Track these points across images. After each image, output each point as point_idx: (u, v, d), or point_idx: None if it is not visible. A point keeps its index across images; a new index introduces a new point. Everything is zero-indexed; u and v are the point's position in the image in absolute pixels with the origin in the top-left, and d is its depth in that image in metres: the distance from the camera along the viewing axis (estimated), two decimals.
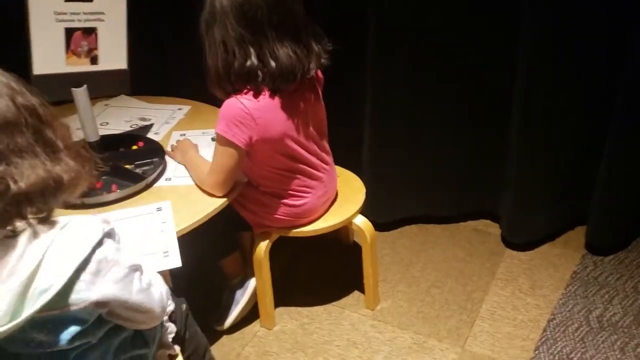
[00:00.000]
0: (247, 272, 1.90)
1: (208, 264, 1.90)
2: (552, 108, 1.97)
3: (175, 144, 1.85)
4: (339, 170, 1.91)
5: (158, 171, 1.69)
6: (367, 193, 1.92)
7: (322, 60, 1.59)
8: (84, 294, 0.95)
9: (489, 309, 1.97)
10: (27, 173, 0.90)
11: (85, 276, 0.95)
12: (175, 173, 1.73)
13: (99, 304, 0.98)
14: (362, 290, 2.01)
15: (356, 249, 2.16)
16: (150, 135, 1.93)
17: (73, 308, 0.95)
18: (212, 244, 1.83)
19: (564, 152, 2.07)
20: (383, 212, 2.24)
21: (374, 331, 1.90)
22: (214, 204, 1.59)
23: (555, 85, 1.93)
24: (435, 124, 2.13)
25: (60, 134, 0.98)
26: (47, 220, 0.95)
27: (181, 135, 1.93)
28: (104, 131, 1.86)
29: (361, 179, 1.99)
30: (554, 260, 2.18)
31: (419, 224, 2.37)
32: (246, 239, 1.92)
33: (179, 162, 1.77)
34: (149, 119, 2.05)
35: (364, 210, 1.88)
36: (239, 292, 1.89)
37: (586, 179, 2.13)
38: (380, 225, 2.23)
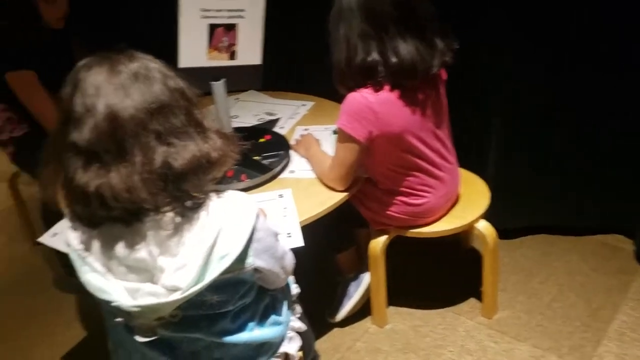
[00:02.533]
0: (362, 267, 1.92)
1: (324, 257, 1.94)
2: None
3: (299, 138, 1.90)
4: (462, 172, 1.87)
5: (283, 164, 1.76)
6: (490, 196, 1.86)
7: (446, 59, 1.57)
8: (251, 259, 1.08)
9: (617, 329, 1.84)
10: (182, 152, 0.98)
11: (252, 244, 1.07)
12: (299, 166, 1.78)
13: (258, 268, 1.11)
14: (479, 298, 1.95)
15: (474, 254, 2.11)
16: (276, 129, 2.01)
17: (244, 271, 1.08)
18: (330, 238, 1.87)
19: None
20: (505, 218, 2.16)
21: (490, 340, 1.84)
22: (334, 198, 1.62)
23: None
24: (569, 129, 2.02)
25: (205, 113, 1.06)
26: (212, 195, 1.05)
27: (304, 130, 1.98)
28: (234, 124, 1.96)
29: (485, 179, 1.94)
30: None
31: (542, 234, 2.26)
32: (363, 235, 1.93)
33: (302, 156, 1.82)
34: (276, 114, 2.13)
35: (486, 216, 1.83)
36: (352, 287, 1.91)
37: None
38: (501, 232, 2.14)
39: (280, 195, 1.64)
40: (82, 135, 0.96)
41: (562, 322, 1.88)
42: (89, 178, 0.97)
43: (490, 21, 1.94)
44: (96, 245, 1.04)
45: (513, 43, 1.92)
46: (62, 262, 2.13)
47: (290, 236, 1.47)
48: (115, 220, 1.01)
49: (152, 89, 0.98)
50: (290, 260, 1.25)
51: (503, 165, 2.11)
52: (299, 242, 1.45)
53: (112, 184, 0.96)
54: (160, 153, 0.97)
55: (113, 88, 0.96)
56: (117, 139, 0.96)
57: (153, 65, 1.01)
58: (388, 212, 1.73)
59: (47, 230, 1.95)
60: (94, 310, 2.02)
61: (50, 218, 1.77)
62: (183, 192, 1.00)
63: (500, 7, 1.89)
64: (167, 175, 0.98)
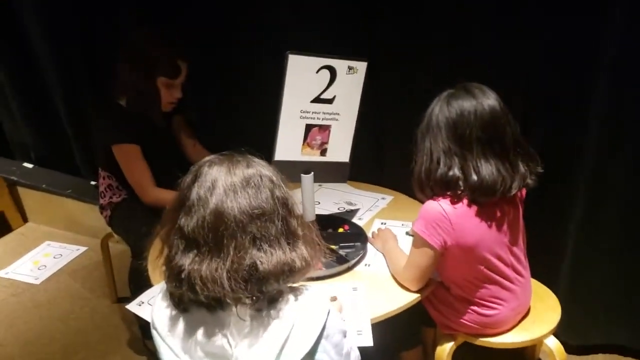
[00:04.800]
0: None
1: (389, 354, 1.95)
2: None
3: (376, 231, 1.96)
4: (534, 284, 1.87)
5: (360, 256, 1.81)
6: (562, 309, 1.84)
7: (528, 181, 1.61)
8: (319, 355, 1.13)
9: None
10: (270, 258, 1.07)
11: (322, 340, 1.12)
12: (374, 260, 1.83)
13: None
14: None
15: None
16: (354, 219, 2.07)
17: None
18: (396, 335, 1.88)
19: None
20: (577, 333, 2.11)
21: None
22: (407, 299, 1.65)
23: None
24: None
25: (300, 221, 1.15)
26: (289, 292, 1.13)
27: (382, 223, 2.04)
28: (316, 210, 2.05)
29: (558, 293, 1.92)
30: None
31: (615, 355, 2.18)
32: (429, 334, 1.94)
33: (378, 250, 1.87)
34: (355, 204, 2.21)
35: (556, 329, 1.81)
36: None
37: None
38: (571, 348, 2.10)
39: (354, 289, 1.69)
40: (189, 222, 1.08)
41: None
42: (185, 262, 1.08)
43: (571, 130, 1.97)
44: (180, 327, 1.12)
45: (593, 152, 1.93)
46: (140, 324, 2.25)
47: (360, 334, 1.50)
48: (201, 305, 1.10)
49: (259, 196, 1.09)
50: (355, 358, 1.28)
51: (577, 278, 2.08)
52: (369, 341, 1.48)
53: (202, 274, 1.06)
54: (250, 255, 1.07)
55: (226, 188, 1.08)
56: (218, 234, 1.06)
57: (266, 173, 1.13)
58: (458, 319, 1.74)
59: (132, 293, 2.09)
60: None
61: (138, 284, 1.90)
62: (262, 292, 1.09)
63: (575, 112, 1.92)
64: (251, 276, 1.06)
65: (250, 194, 1.08)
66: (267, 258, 1.07)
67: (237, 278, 1.06)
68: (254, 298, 1.08)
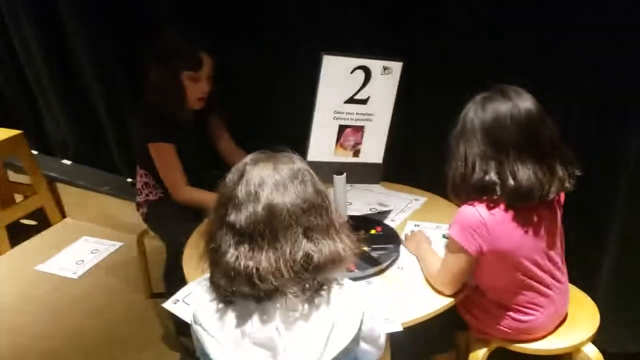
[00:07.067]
0: None
1: (422, 356, 1.93)
2: None
3: (409, 233, 1.94)
4: (572, 290, 1.83)
5: (392, 258, 1.80)
6: (600, 316, 1.80)
7: (566, 185, 1.57)
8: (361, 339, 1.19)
9: None
10: (322, 248, 1.12)
11: (362, 326, 1.18)
12: (407, 263, 1.81)
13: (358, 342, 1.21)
14: None
15: None
16: (387, 221, 2.05)
17: (352, 349, 1.18)
18: (429, 338, 1.87)
19: None
20: (615, 341, 2.06)
21: None
22: (440, 303, 1.63)
23: None
24: None
25: (336, 215, 1.19)
26: (334, 283, 1.17)
27: (415, 225, 2.02)
28: (348, 211, 2.04)
29: (596, 299, 1.88)
30: None
31: None
32: (463, 338, 1.92)
33: (411, 253, 1.85)
34: (388, 205, 2.19)
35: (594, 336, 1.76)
36: None
37: None
38: (610, 356, 2.04)
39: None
40: (240, 217, 1.11)
41: None
42: (238, 256, 1.11)
43: (612, 131, 1.92)
44: (227, 320, 1.15)
45: (635, 157, 1.88)
46: (174, 320, 2.27)
47: (388, 321, 1.51)
48: (249, 297, 1.13)
49: (306, 190, 1.13)
50: (383, 341, 1.34)
51: (615, 285, 2.02)
52: (398, 326, 1.50)
53: (261, 266, 1.09)
54: (303, 246, 1.10)
55: (275, 183, 1.12)
56: (272, 227, 1.10)
57: (306, 168, 1.17)
58: (493, 324, 1.71)
59: (167, 290, 2.12)
60: None
61: (173, 281, 1.93)
62: (315, 281, 1.13)
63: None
64: (308, 266, 1.10)
65: (299, 189, 1.13)
66: (319, 248, 1.11)
67: (295, 268, 1.09)
68: (307, 287, 1.12)
